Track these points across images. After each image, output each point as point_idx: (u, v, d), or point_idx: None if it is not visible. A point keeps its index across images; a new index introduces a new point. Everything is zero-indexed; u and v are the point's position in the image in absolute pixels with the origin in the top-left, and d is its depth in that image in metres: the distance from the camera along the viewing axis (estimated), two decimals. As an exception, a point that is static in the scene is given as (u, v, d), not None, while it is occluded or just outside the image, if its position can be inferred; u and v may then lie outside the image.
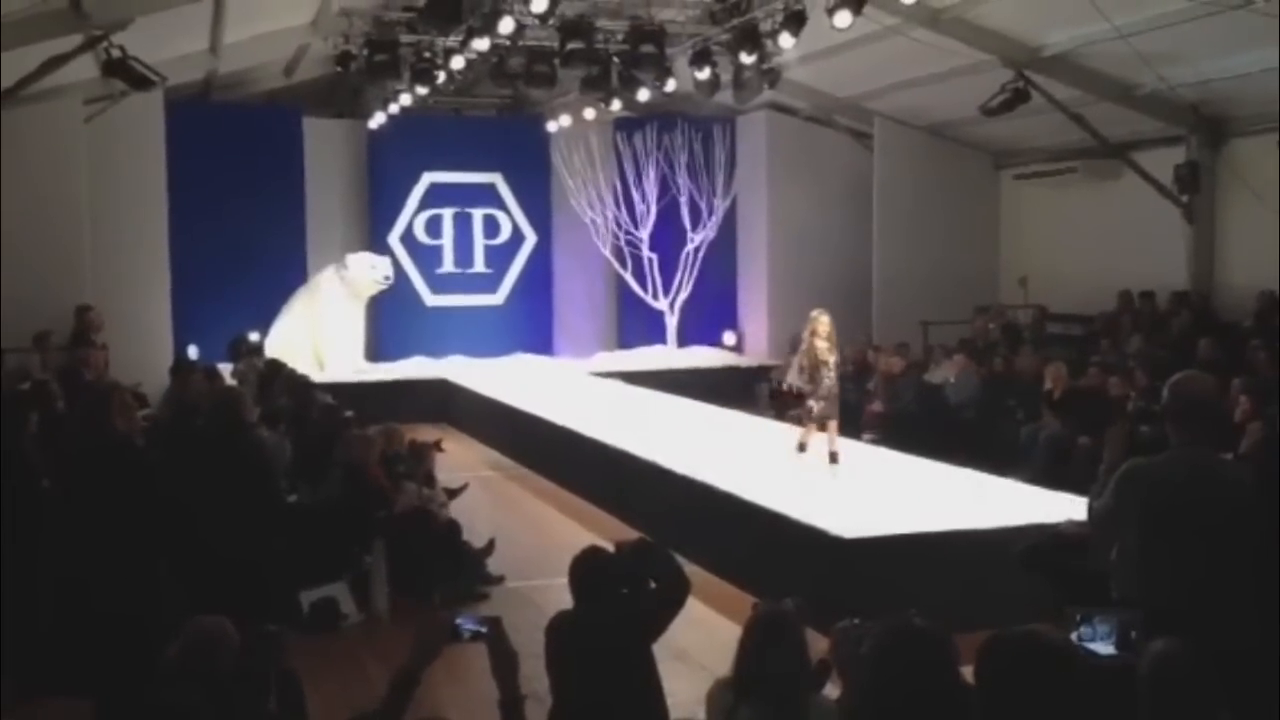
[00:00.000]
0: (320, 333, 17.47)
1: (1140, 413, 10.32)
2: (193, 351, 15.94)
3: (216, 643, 4.24)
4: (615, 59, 13.96)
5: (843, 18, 11.25)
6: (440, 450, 9.87)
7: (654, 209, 19.18)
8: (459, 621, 3.58)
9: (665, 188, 19.14)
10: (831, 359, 10.10)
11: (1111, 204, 15.34)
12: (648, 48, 13.24)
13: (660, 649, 4.90)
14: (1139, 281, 14.52)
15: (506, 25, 12.47)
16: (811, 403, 10.03)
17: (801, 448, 10.08)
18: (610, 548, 4.97)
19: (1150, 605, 4.39)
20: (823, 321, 10.05)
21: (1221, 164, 14.00)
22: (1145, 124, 14.22)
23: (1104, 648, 4.71)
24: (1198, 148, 14.03)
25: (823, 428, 10.06)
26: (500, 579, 8.67)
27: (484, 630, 3.55)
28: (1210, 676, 3.56)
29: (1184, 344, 12.41)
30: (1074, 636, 4.69)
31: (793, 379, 10.36)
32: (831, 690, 4.09)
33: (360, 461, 8.58)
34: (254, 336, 16.76)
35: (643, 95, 14.80)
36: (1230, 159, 13.91)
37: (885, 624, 3.53)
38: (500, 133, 19.42)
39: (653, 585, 4.77)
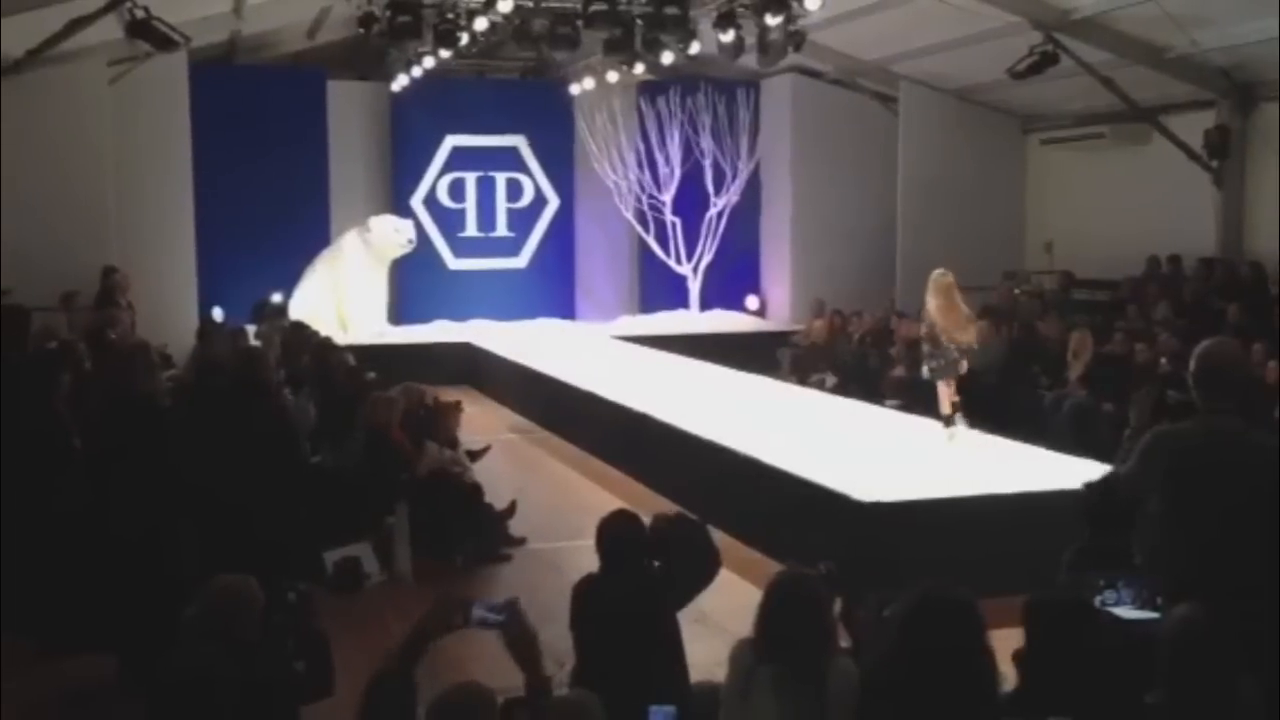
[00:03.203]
0: (343, 295, 17.51)
1: (1169, 377, 10.25)
2: (218, 313, 16.02)
3: (239, 602, 4.26)
4: (639, 21, 13.85)
5: (869, -21, 11.13)
6: (460, 410, 9.89)
7: (677, 173, 19.07)
8: (475, 610, 3.55)
9: (689, 151, 19.01)
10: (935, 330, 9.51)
11: (1140, 169, 15.18)
12: (672, 10, 13.15)
13: (681, 613, 4.92)
14: (1167, 247, 14.38)
15: (530, -14, 12.39)
16: (927, 367, 9.60)
17: (948, 420, 9.52)
18: (644, 517, 4.97)
19: (1172, 572, 4.38)
20: (941, 283, 9.47)
21: (1252, 129, 13.83)
22: (1175, 88, 14.05)
23: (1127, 612, 4.71)
24: (1228, 112, 13.86)
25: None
26: (522, 541, 8.71)
27: (496, 620, 3.52)
28: (1232, 642, 3.56)
29: (1209, 310, 12.31)
30: (1098, 601, 4.70)
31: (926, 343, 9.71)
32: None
33: (382, 424, 8.61)
34: (277, 298, 16.82)
35: (666, 58, 14.70)
36: (1260, 124, 13.73)
37: (913, 588, 3.54)
38: (523, 96, 19.34)
39: (683, 559, 4.77)
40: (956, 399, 9.50)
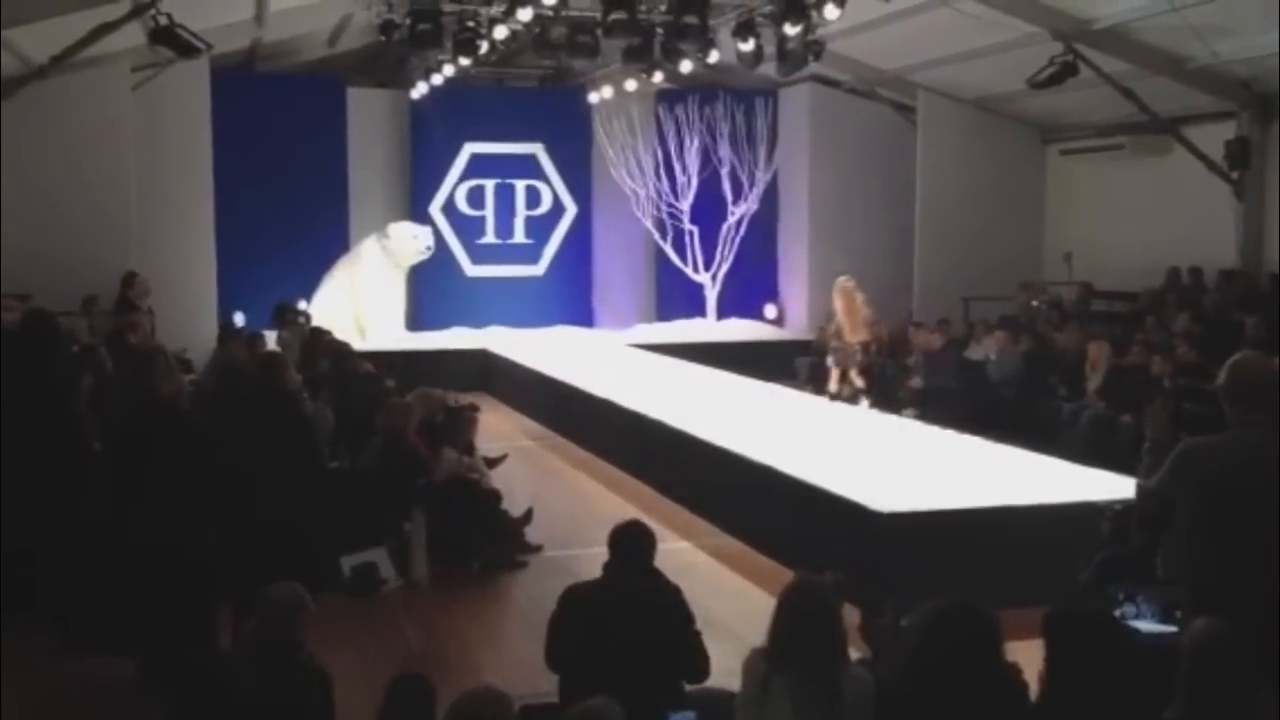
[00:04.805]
0: (361, 301, 17.58)
1: (1183, 390, 10.20)
2: (239, 318, 16.08)
3: (296, 609, 4.33)
4: (658, 30, 13.87)
5: (889, -11, 11.12)
6: (475, 409, 9.90)
7: (695, 181, 19.10)
8: None
9: (706, 160, 19.05)
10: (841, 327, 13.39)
11: (1160, 180, 15.12)
12: (691, 19, 13.14)
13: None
14: (1187, 259, 14.33)
15: (549, -5, 12.42)
16: (831, 357, 13.43)
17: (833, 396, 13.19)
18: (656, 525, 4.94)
19: (1197, 584, 4.36)
20: (844, 288, 13.26)
21: (1272, 140, 13.77)
22: (1196, 99, 13.99)
23: (1147, 625, 4.70)
24: (1249, 124, 13.80)
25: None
26: (539, 548, 8.72)
27: None
28: (1251, 655, 3.54)
29: (1228, 322, 12.24)
30: (1118, 614, 4.69)
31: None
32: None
33: (399, 430, 8.63)
34: (298, 304, 16.87)
35: (685, 67, 14.71)
36: (1282, 136, 13.69)
37: (932, 600, 3.54)
38: (542, 104, 19.40)
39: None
40: (857, 383, 13.27)
